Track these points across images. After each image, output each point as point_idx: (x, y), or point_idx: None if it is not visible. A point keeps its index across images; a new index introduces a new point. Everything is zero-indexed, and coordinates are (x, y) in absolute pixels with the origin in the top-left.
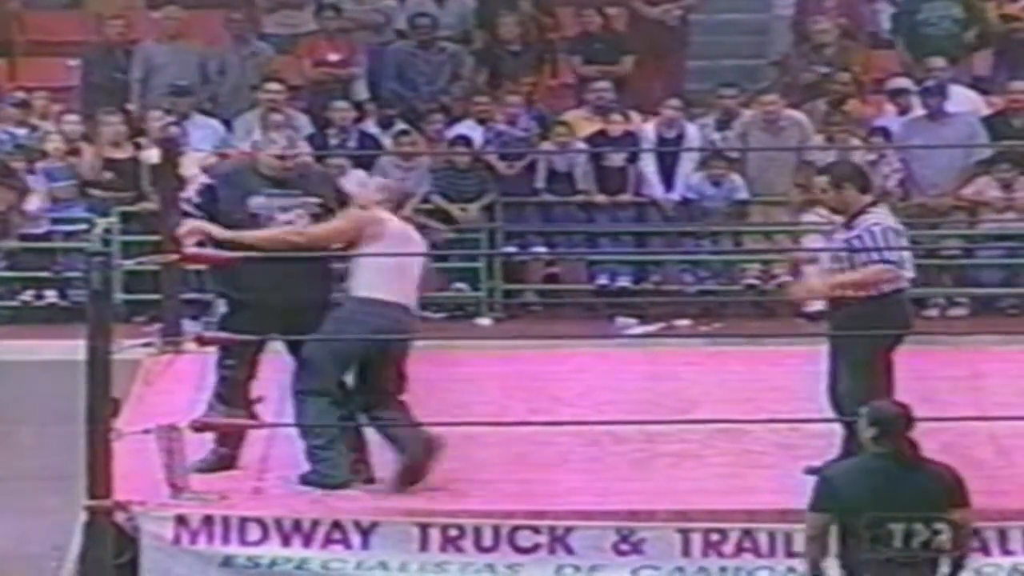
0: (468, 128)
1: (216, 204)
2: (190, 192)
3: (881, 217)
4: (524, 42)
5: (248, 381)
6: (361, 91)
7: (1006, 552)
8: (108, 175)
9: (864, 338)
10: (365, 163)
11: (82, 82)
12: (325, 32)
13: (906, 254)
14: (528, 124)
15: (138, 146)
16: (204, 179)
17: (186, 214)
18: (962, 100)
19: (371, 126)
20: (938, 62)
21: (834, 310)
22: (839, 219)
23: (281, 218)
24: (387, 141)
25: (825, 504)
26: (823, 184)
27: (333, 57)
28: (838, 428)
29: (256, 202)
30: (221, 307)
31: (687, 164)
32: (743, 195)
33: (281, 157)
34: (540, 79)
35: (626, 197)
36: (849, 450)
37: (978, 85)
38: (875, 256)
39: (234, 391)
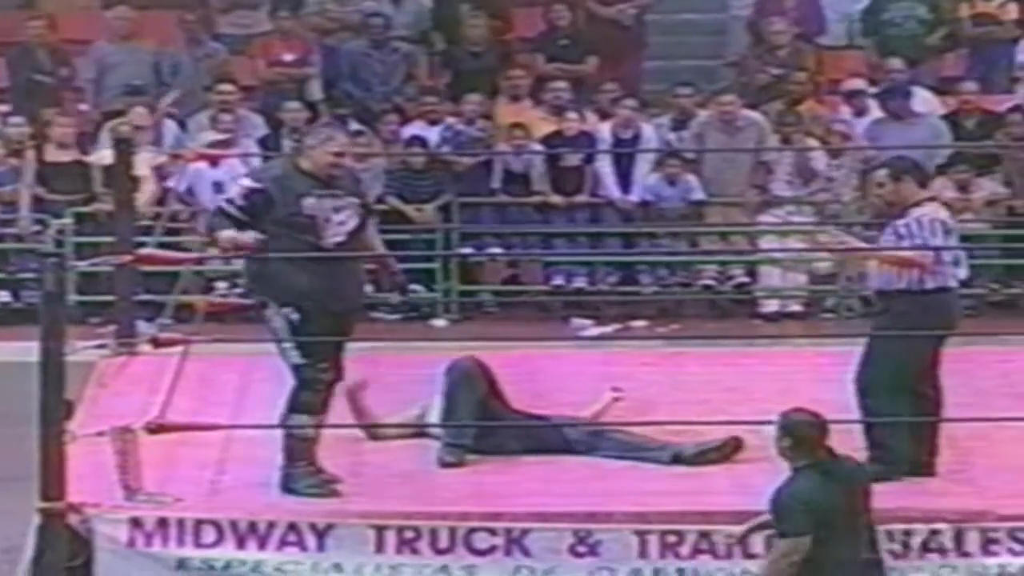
0: (423, 128)
1: (270, 209)
2: (232, 195)
3: (933, 211)
4: (487, 43)
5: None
6: (316, 91)
7: (963, 554)
8: (40, 188)
9: (903, 335)
10: None
11: (10, 82)
12: (279, 32)
13: (958, 254)
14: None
15: (84, 149)
16: (248, 183)
17: (227, 216)
18: (920, 102)
19: None
20: (896, 63)
21: (882, 303)
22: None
23: (335, 219)
24: None
25: (809, 526)
26: (881, 177)
27: (287, 57)
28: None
29: (309, 203)
30: (291, 315)
31: (644, 165)
32: (699, 195)
33: (339, 155)
34: (505, 80)
35: (582, 198)
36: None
37: (948, 87)
38: (918, 241)
39: (321, 396)
